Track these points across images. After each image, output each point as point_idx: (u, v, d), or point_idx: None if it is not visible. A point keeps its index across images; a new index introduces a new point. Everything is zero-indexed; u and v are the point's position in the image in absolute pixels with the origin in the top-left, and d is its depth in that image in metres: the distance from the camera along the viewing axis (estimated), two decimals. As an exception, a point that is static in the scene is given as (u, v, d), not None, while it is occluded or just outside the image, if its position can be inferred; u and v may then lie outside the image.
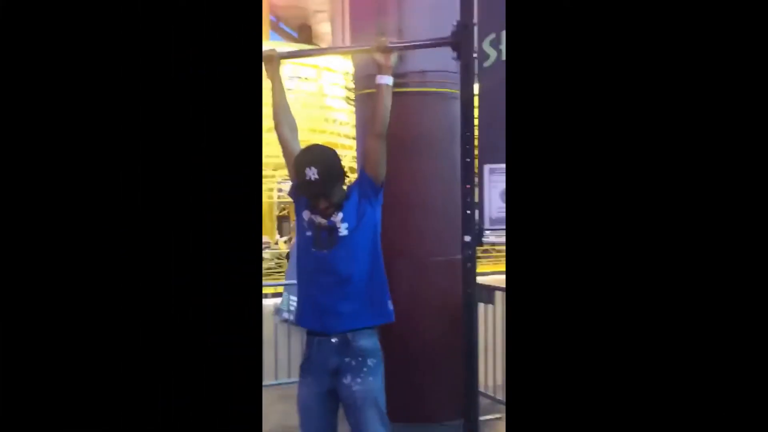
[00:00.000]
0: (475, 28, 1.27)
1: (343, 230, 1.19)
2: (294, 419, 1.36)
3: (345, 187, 1.24)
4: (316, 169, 1.11)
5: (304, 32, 11.89)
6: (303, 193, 1.22)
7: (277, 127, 1.31)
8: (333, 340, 1.20)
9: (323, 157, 1.19)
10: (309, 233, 1.22)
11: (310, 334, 1.26)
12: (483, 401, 2.12)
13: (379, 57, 1.25)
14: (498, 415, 2.49)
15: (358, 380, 1.20)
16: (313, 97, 6.76)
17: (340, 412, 1.28)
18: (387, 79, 1.23)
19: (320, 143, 1.73)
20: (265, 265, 6.17)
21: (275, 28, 11.62)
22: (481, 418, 1.68)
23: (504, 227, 1.30)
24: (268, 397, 1.69)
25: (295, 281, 1.59)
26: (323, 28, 11.10)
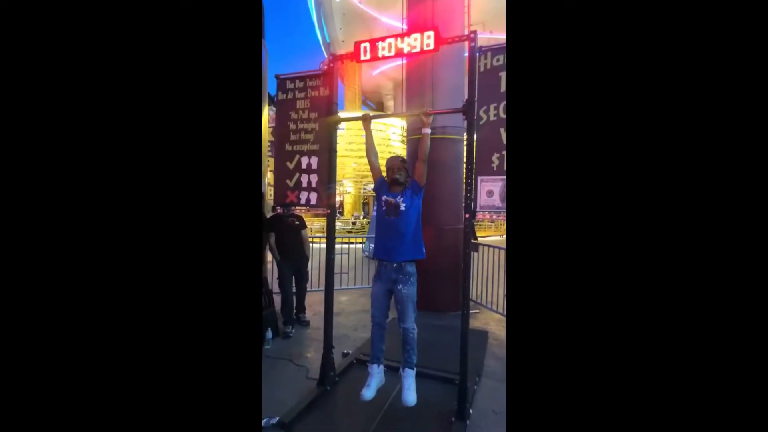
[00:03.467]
0: (476, 103, 2.15)
1: (402, 207, 2.12)
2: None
3: (405, 181, 2.19)
4: (399, 158, 2.16)
5: (379, 106, 23.20)
6: (388, 168, 2.17)
7: (368, 155, 2.30)
8: (394, 265, 2.14)
9: (401, 156, 2.23)
10: (384, 208, 2.19)
11: (381, 261, 2.22)
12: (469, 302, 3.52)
13: (423, 118, 2.19)
14: (476, 311, 4.22)
15: (405, 287, 2.13)
16: (383, 141, 12.55)
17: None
18: (428, 130, 2.15)
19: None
20: (359, 226, 12.06)
21: (364, 102, 22.03)
22: (470, 311, 2.42)
23: (486, 210, 2.26)
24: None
25: (373, 235, 2.67)
26: (389, 103, 21.56)
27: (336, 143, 2.54)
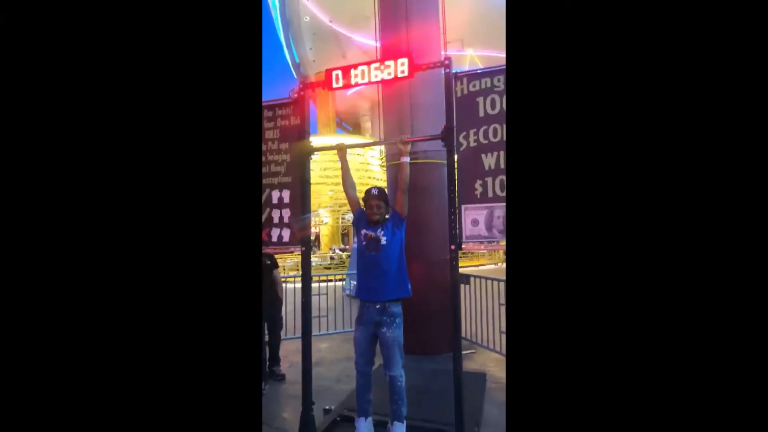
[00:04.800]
0: (454, 129, 2.29)
1: (383, 241, 2.20)
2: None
3: (385, 215, 2.28)
4: (377, 190, 2.25)
5: (356, 127, 23.07)
6: (366, 204, 2.24)
7: (344, 187, 2.40)
8: (377, 306, 2.19)
9: (380, 188, 2.32)
10: (364, 243, 2.26)
11: (363, 301, 2.27)
12: (463, 342, 3.45)
13: (402, 146, 2.33)
14: (472, 350, 4.27)
15: (390, 330, 2.17)
16: (362, 165, 13.07)
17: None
18: (406, 158, 2.28)
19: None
20: (338, 261, 11.87)
21: (339, 125, 22.59)
22: (463, 352, 2.64)
23: (472, 241, 2.36)
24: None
25: (354, 271, 2.70)
26: (366, 124, 21.37)
27: (309, 174, 2.62)
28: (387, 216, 2.27)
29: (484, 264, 13.43)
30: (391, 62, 2.25)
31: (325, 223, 15.14)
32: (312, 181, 2.66)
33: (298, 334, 2.88)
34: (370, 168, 13.38)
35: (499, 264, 13.61)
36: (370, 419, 2.21)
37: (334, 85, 2.38)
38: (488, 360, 4.08)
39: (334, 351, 4.51)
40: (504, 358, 4.02)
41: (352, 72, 2.33)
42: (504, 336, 4.09)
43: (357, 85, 2.37)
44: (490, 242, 2.28)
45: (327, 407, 2.98)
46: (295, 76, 20.13)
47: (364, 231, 2.28)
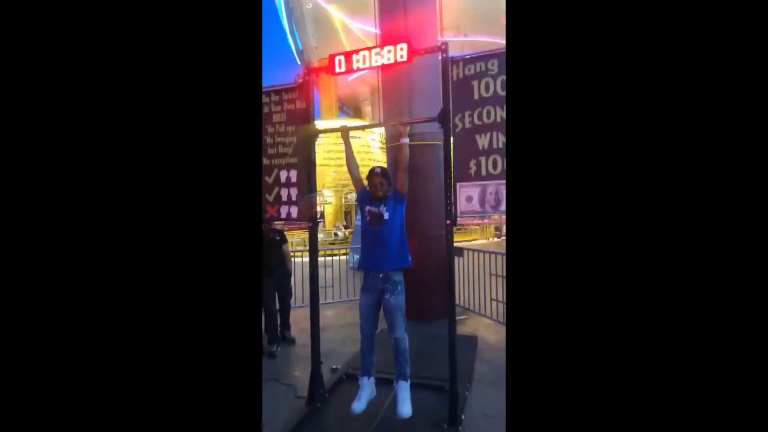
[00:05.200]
0: (450, 111, 2.28)
1: (386, 216, 2.21)
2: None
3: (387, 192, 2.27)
4: (380, 168, 2.25)
5: (357, 112, 22.82)
6: (370, 182, 2.24)
7: (348, 167, 2.39)
8: (380, 275, 2.22)
9: (382, 167, 2.31)
10: (368, 218, 2.27)
11: (367, 271, 2.29)
12: (457, 308, 3.63)
13: (401, 127, 2.30)
14: (465, 316, 4.34)
15: (393, 296, 2.20)
16: (363, 148, 12.72)
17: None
18: (406, 140, 2.26)
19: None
20: (342, 237, 12.06)
21: (341, 109, 22.39)
22: (457, 317, 2.69)
23: (466, 216, 2.37)
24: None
25: (358, 245, 2.74)
26: (367, 109, 20.97)
27: (315, 155, 2.61)
28: (389, 193, 2.28)
29: (477, 239, 13.54)
30: (390, 47, 2.19)
31: (329, 203, 15.15)
32: (317, 162, 2.64)
33: (307, 302, 2.94)
34: (371, 150, 13.18)
35: (491, 239, 13.74)
36: (372, 378, 2.27)
37: (337, 70, 2.33)
38: (480, 325, 4.17)
39: (340, 317, 4.60)
40: (493, 323, 4.11)
41: (354, 57, 2.28)
42: (495, 303, 4.18)
43: (359, 69, 2.32)
44: (483, 217, 2.29)
45: (334, 366, 3.08)
46: (299, 62, 19.68)
47: (368, 207, 2.29)
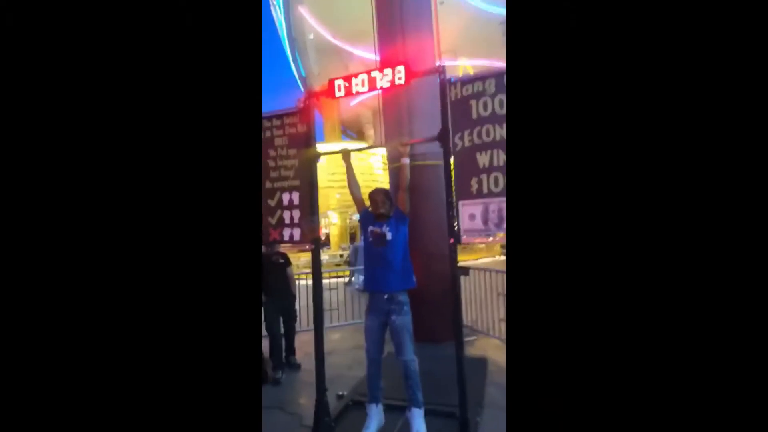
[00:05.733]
0: (450, 131, 2.31)
1: (389, 236, 2.21)
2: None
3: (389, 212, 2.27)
4: (381, 191, 2.26)
5: (359, 134, 23.68)
6: (371, 200, 2.26)
7: (350, 188, 2.43)
8: (385, 296, 2.21)
9: (383, 188, 2.33)
10: (371, 239, 2.28)
11: (371, 293, 2.30)
12: (464, 329, 3.42)
13: (401, 148, 2.34)
14: (473, 337, 4.25)
15: (399, 317, 2.18)
16: (366, 169, 12.95)
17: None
18: (406, 160, 2.30)
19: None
20: (347, 258, 11.45)
21: (344, 132, 23.06)
22: (464, 339, 2.51)
23: (470, 234, 2.34)
24: None
25: (361, 267, 2.71)
26: (369, 131, 21.67)
27: (316, 177, 2.63)
28: (391, 212, 2.28)
29: (483, 257, 13.40)
30: (388, 70, 2.24)
31: (334, 224, 15.19)
32: (320, 185, 2.66)
33: (311, 326, 2.89)
34: (374, 171, 13.31)
35: (497, 257, 13.57)
36: (380, 405, 2.19)
37: (337, 94, 2.38)
38: (488, 346, 4.06)
39: (346, 341, 4.51)
40: (503, 344, 4.00)
41: (353, 80, 2.33)
42: (503, 324, 4.08)
43: (358, 93, 2.37)
44: (486, 235, 2.27)
45: (340, 393, 2.98)
46: (302, 89, 20.23)
47: (370, 228, 2.29)
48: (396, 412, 2.24)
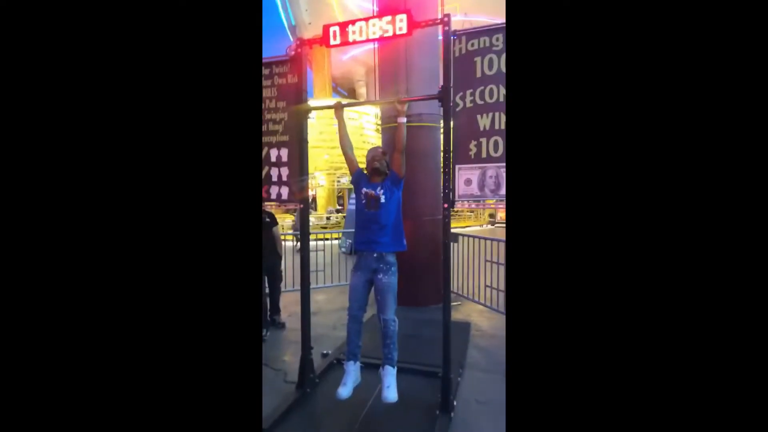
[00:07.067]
0: (451, 89, 2.17)
1: (382, 199, 2.13)
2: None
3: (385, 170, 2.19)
4: (379, 147, 2.17)
5: (351, 92, 22.47)
6: (368, 159, 2.18)
7: (342, 147, 2.30)
8: (374, 255, 2.14)
9: (380, 147, 2.25)
10: (363, 201, 2.19)
11: (360, 252, 2.21)
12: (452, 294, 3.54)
13: (399, 106, 2.18)
14: (458, 302, 4.32)
15: (385, 276, 2.13)
16: (357, 130, 12.17)
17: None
18: (403, 119, 2.15)
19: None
20: (334, 221, 11.65)
21: (335, 90, 21.37)
22: (452, 303, 2.51)
23: (464, 200, 2.31)
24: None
25: (352, 230, 2.65)
26: (362, 90, 21.04)
27: (307, 133, 2.50)
28: (386, 172, 2.20)
29: (471, 225, 13.58)
30: (389, 18, 2.07)
31: (322, 186, 14.92)
32: (309, 143, 2.54)
33: (297, 286, 2.88)
34: (365, 132, 12.88)
35: (484, 225, 13.78)
36: (358, 363, 2.23)
37: (332, 42, 2.20)
38: (472, 311, 4.18)
39: (331, 302, 4.57)
40: (486, 310, 4.12)
41: (350, 28, 2.15)
42: (488, 290, 4.17)
43: (355, 42, 2.19)
44: (480, 201, 2.23)
45: (324, 351, 3.04)
46: (291, 39, 19.09)
47: (364, 190, 2.21)
48: (375, 370, 2.29)
